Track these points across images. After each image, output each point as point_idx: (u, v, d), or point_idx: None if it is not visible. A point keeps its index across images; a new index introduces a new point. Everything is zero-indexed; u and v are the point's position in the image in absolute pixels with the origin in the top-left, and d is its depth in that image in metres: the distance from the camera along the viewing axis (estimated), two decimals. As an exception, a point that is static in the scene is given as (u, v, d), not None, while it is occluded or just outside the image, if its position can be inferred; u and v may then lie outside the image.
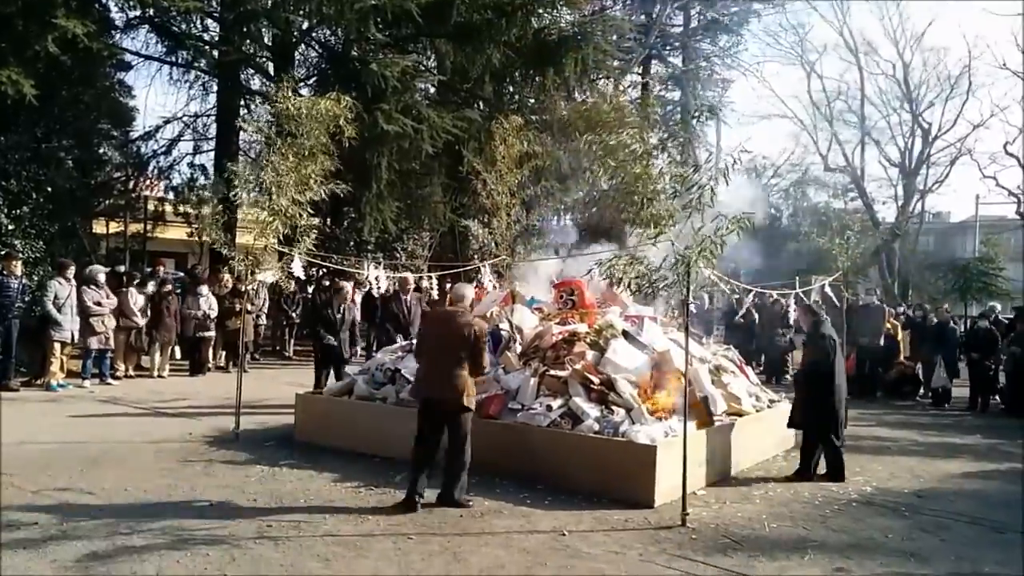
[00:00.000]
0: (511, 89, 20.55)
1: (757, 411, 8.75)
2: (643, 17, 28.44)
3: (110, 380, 12.41)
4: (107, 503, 6.23)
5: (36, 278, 12.82)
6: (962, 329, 16.69)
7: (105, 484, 6.76)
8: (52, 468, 7.22)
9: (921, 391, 14.67)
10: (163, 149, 20.02)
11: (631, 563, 5.29)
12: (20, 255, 12.27)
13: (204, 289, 14.26)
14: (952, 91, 33.14)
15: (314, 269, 15.45)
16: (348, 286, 11.93)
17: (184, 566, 4.95)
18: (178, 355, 14.19)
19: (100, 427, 9.21)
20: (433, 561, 5.20)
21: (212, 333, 14.27)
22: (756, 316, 16.48)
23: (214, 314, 14.17)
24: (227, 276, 14.87)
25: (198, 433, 9.04)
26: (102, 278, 12.55)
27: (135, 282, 13.59)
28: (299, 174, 8.59)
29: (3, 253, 12.22)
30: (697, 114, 29.23)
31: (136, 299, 13.08)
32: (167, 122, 20.11)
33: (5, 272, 11.57)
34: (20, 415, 9.78)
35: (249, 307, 13.32)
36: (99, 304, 12.23)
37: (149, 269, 17.15)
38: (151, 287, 13.35)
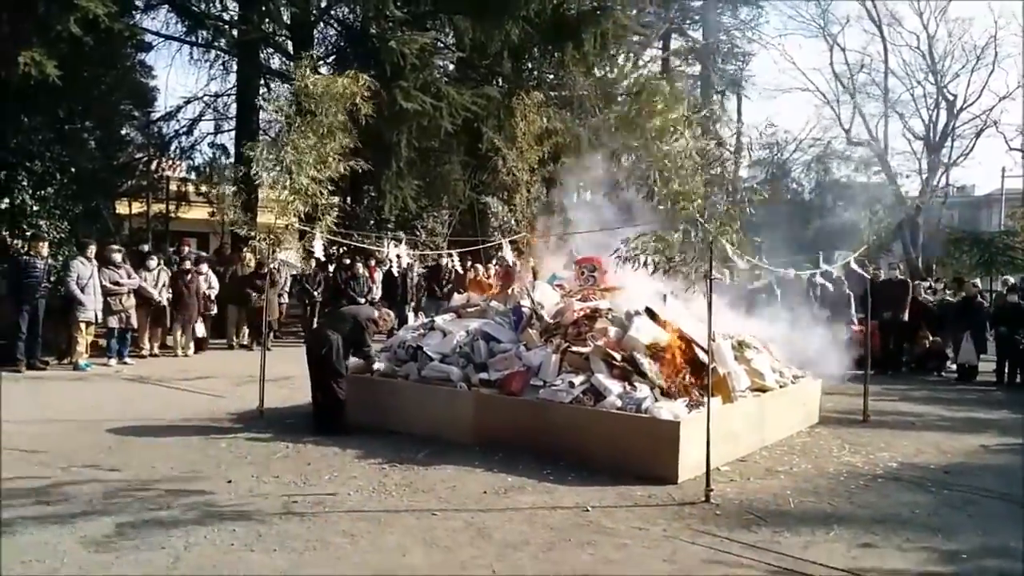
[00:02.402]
0: (530, 65, 20.44)
1: (781, 387, 8.70)
2: (663, -10, 28.08)
3: (127, 360, 12.51)
4: (134, 479, 6.30)
5: (61, 259, 12.94)
6: (987, 304, 16.48)
7: (132, 461, 6.84)
8: (80, 445, 7.32)
9: (948, 365, 14.52)
10: (184, 129, 20.11)
11: (655, 538, 5.28)
12: (46, 236, 12.40)
13: (204, 267, 14.40)
14: (977, 62, 32.56)
15: (335, 248, 15.51)
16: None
17: (211, 541, 5.00)
18: (200, 332, 14.24)
19: (127, 405, 9.32)
20: (458, 537, 5.22)
21: (212, 311, 14.61)
22: (778, 292, 16.36)
23: (214, 293, 14.43)
24: (249, 255, 14.97)
25: (223, 410, 9.13)
26: (118, 258, 12.63)
27: (147, 260, 13.63)
28: (318, 152, 8.59)
29: (30, 235, 12.35)
30: (721, 91, 28.95)
31: (146, 276, 13.13)
32: (188, 102, 20.17)
33: (32, 253, 11.72)
34: (49, 394, 9.92)
35: (275, 278, 13.57)
36: (117, 284, 12.31)
37: (172, 249, 17.25)
38: (153, 264, 13.39)
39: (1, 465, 6.47)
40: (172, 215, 21.78)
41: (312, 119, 8.62)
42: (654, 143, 6.28)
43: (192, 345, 13.89)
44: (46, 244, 12.03)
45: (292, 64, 15.82)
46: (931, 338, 14.59)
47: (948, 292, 16.23)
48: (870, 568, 4.86)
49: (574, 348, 7.90)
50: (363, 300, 16.19)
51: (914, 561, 5.05)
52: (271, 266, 11.71)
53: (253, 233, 9.52)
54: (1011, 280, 15.10)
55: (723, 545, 5.20)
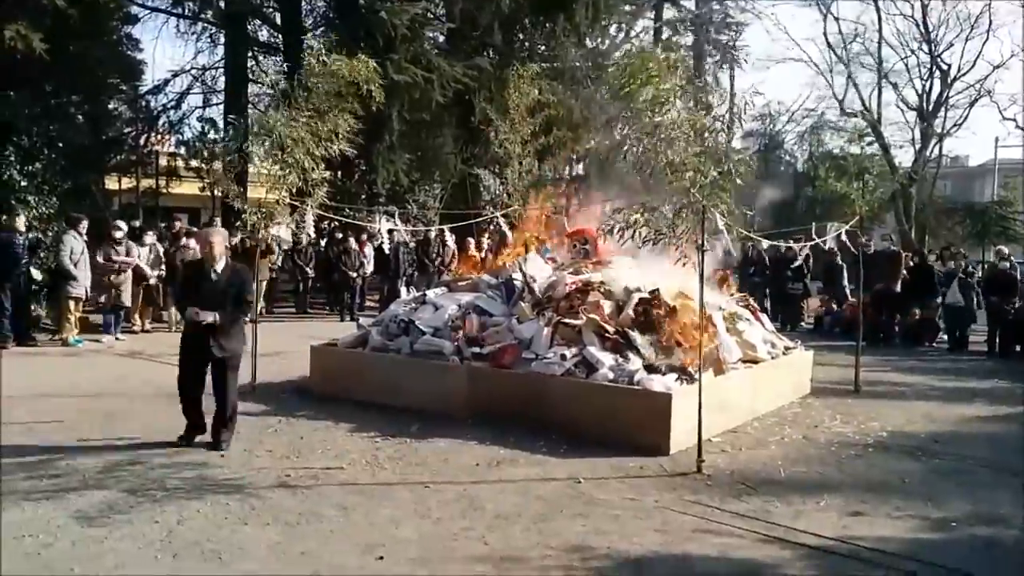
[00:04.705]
0: (521, 36, 20.24)
1: (772, 358, 8.74)
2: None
3: (119, 336, 12.37)
4: (127, 454, 6.29)
5: (51, 234, 12.87)
6: (979, 274, 16.52)
7: (125, 436, 6.83)
8: (73, 420, 7.31)
9: (940, 336, 14.57)
10: (172, 103, 19.95)
11: (647, 509, 5.32)
12: (19, 211, 12.22)
13: (191, 242, 14.22)
14: (972, 31, 32.33)
15: (326, 223, 15.42)
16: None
17: (204, 515, 5.01)
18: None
19: (120, 380, 9.29)
20: (450, 508, 5.24)
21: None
22: (769, 263, 16.39)
23: None
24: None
25: (215, 386, 9.10)
26: (120, 234, 12.52)
27: (143, 236, 13.50)
28: (321, 128, 8.48)
29: (5, 209, 12.25)
30: (717, 61, 28.71)
31: (140, 252, 13.04)
32: (175, 75, 20.01)
33: (10, 229, 11.56)
34: (40, 370, 9.89)
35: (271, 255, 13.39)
36: (110, 260, 12.22)
37: (164, 224, 17.16)
38: (149, 239, 13.30)
39: (1, 446, 6.48)
40: (162, 190, 21.61)
41: (310, 96, 8.51)
42: (645, 114, 6.25)
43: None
44: (22, 218, 11.87)
45: (281, 36, 15.68)
46: (923, 308, 14.60)
47: (938, 263, 16.24)
48: (860, 536, 4.90)
49: (566, 321, 7.90)
50: (355, 274, 16.19)
51: (904, 529, 5.10)
52: (267, 240, 11.56)
53: (245, 207, 9.44)
54: (1005, 250, 15.03)
55: (714, 515, 5.23)
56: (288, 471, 5.97)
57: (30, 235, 11.93)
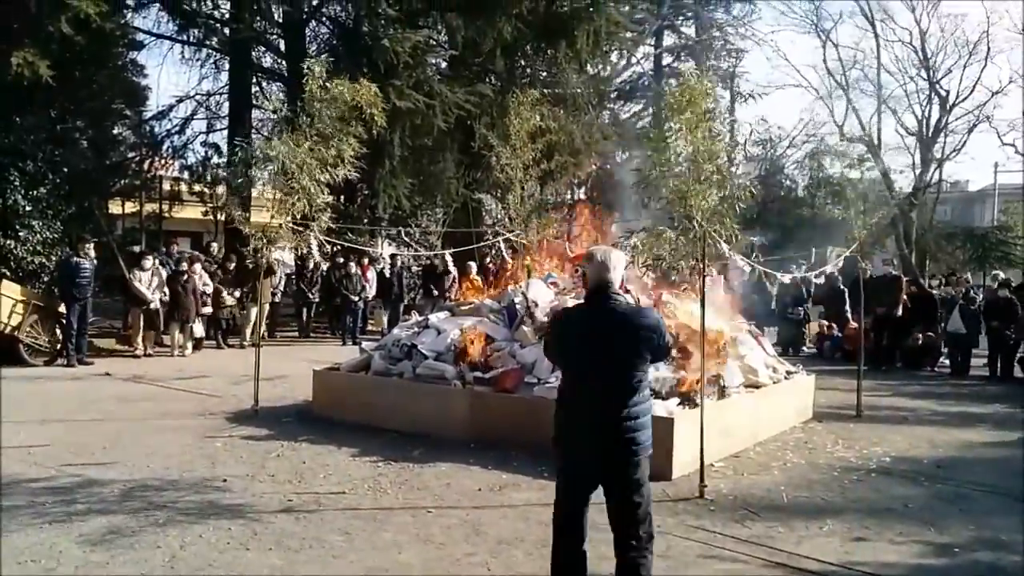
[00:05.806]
0: (523, 63, 20.38)
1: (774, 383, 8.74)
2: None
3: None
4: (130, 479, 6.30)
5: (54, 258, 12.98)
6: (980, 299, 16.52)
7: (128, 460, 6.84)
8: (76, 445, 7.31)
9: (941, 360, 14.56)
10: (177, 128, 20.03)
11: (649, 534, 5.30)
12: (90, 238, 12.79)
13: (196, 267, 14.27)
14: (970, 57, 32.56)
15: (328, 247, 15.43)
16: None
17: (207, 540, 5.01)
18: (199, 332, 14.12)
19: (122, 404, 9.30)
20: (452, 533, 5.24)
21: (208, 309, 14.39)
22: (772, 289, 16.41)
23: (209, 290, 14.33)
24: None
25: (218, 409, 9.12)
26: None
27: (142, 260, 13.59)
28: (326, 153, 8.55)
29: (76, 236, 12.86)
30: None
31: (141, 276, 13.14)
32: (180, 101, 20.11)
33: (81, 254, 12.16)
34: (44, 393, 9.90)
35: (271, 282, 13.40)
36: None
37: (164, 250, 17.21)
38: (148, 263, 13.39)
39: (1, 466, 6.48)
40: (165, 214, 21.68)
41: (313, 121, 8.59)
42: (666, 140, 6.31)
43: (190, 345, 13.81)
44: (92, 246, 12.47)
45: (285, 62, 15.79)
46: (924, 333, 14.62)
47: (942, 289, 16.28)
48: (863, 562, 4.90)
49: (568, 345, 7.90)
50: (356, 298, 16.22)
51: (907, 555, 5.09)
52: (268, 260, 11.54)
53: (250, 231, 9.50)
54: (1000, 275, 15.08)
55: (717, 540, 5.23)
56: (291, 496, 5.97)
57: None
